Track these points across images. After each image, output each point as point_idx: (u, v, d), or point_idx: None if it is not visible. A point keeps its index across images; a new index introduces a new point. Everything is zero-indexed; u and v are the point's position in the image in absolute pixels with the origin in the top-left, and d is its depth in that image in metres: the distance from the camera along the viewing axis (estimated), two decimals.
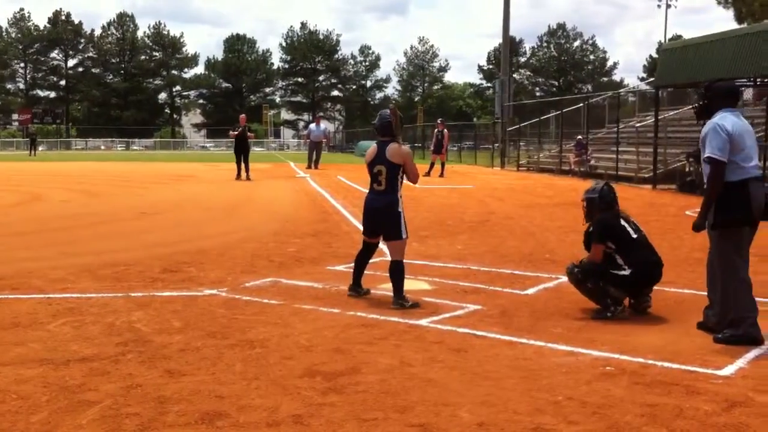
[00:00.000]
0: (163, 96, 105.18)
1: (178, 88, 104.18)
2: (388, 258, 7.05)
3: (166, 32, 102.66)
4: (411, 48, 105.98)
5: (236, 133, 24.39)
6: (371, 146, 7.20)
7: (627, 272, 6.28)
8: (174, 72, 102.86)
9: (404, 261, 6.97)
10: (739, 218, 5.54)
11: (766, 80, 20.02)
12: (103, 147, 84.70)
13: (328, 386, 4.58)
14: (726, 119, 5.58)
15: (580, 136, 28.97)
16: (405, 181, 7.05)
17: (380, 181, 6.90)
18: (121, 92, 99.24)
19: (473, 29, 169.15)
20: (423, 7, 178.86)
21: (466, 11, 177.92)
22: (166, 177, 26.93)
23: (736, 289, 5.61)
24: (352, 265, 7.34)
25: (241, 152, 24.39)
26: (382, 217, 6.93)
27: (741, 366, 5.07)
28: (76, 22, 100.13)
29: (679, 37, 73.95)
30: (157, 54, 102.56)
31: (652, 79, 35.05)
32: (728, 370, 4.98)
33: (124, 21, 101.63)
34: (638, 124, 27.86)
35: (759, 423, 4.05)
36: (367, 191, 7.15)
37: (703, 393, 4.51)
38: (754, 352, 5.36)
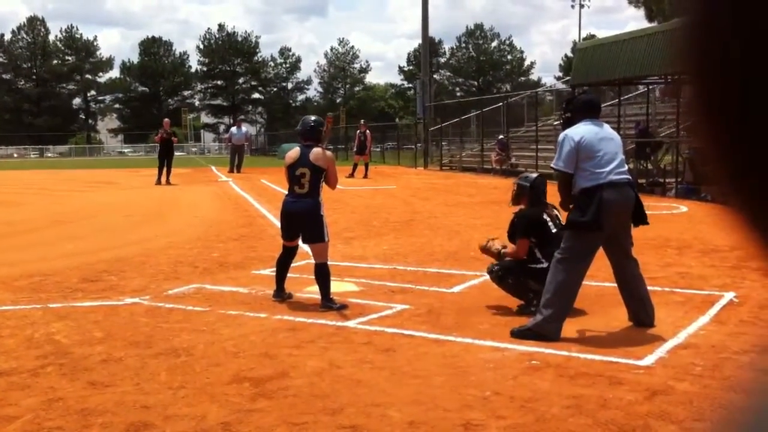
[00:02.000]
0: (77, 101, 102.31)
1: (93, 92, 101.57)
2: (313, 261, 7.03)
3: (78, 36, 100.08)
4: (332, 49, 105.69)
5: (159, 137, 24.18)
6: (293, 149, 7.20)
7: (544, 265, 6.40)
8: (88, 76, 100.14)
9: (331, 263, 6.98)
10: (587, 223, 5.69)
11: (676, 77, 20.65)
12: (15, 155, 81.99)
13: (257, 392, 4.53)
14: (578, 129, 5.86)
15: (501, 136, 29.41)
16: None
17: (303, 184, 6.88)
18: (34, 98, 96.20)
19: (393, 30, 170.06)
20: (342, 8, 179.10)
21: (386, 12, 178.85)
22: (84, 184, 26.26)
23: (561, 286, 5.74)
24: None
25: (165, 156, 24.16)
26: (305, 220, 6.91)
27: (661, 356, 5.22)
28: None
29: (593, 36, 75.76)
30: (70, 58, 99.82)
31: (568, 78, 35.84)
32: (648, 360, 5.12)
33: (35, 25, 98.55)
34: (556, 123, 28.43)
35: (680, 410, 4.18)
36: (286, 194, 7.12)
37: (626, 383, 4.63)
38: (672, 342, 5.54)
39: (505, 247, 6.94)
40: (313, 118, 7.30)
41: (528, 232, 6.64)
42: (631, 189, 5.91)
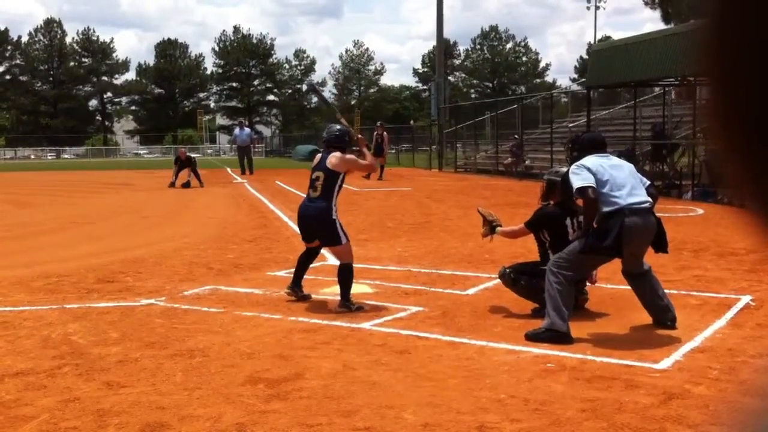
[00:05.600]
0: (93, 103, 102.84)
1: (109, 94, 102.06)
2: (331, 263, 7.04)
3: (95, 38, 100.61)
4: (346, 51, 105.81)
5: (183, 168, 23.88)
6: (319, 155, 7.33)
7: None
8: (104, 78, 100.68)
9: None
10: (606, 249, 5.67)
11: (694, 79, 20.54)
12: (32, 156, 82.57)
13: (272, 393, 4.54)
14: (584, 159, 5.87)
15: (516, 137, 29.35)
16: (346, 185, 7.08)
17: (316, 187, 6.92)
18: (51, 100, 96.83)
19: (408, 32, 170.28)
20: (357, 10, 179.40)
21: (401, 14, 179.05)
22: (100, 185, 26.41)
23: (561, 293, 5.72)
24: (292, 270, 7.30)
25: (183, 168, 23.74)
26: (316, 225, 6.94)
27: (677, 359, 5.19)
28: (2, 28, 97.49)
29: (609, 38, 75.49)
30: (86, 60, 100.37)
31: (583, 79, 35.71)
32: (665, 363, 5.10)
33: (52, 27, 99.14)
34: (571, 125, 28.33)
35: (696, 414, 4.16)
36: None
37: (642, 386, 4.61)
38: (688, 346, 5.50)
39: (500, 225, 7.11)
40: (338, 126, 7.35)
41: (537, 225, 6.64)
42: (653, 216, 5.87)
